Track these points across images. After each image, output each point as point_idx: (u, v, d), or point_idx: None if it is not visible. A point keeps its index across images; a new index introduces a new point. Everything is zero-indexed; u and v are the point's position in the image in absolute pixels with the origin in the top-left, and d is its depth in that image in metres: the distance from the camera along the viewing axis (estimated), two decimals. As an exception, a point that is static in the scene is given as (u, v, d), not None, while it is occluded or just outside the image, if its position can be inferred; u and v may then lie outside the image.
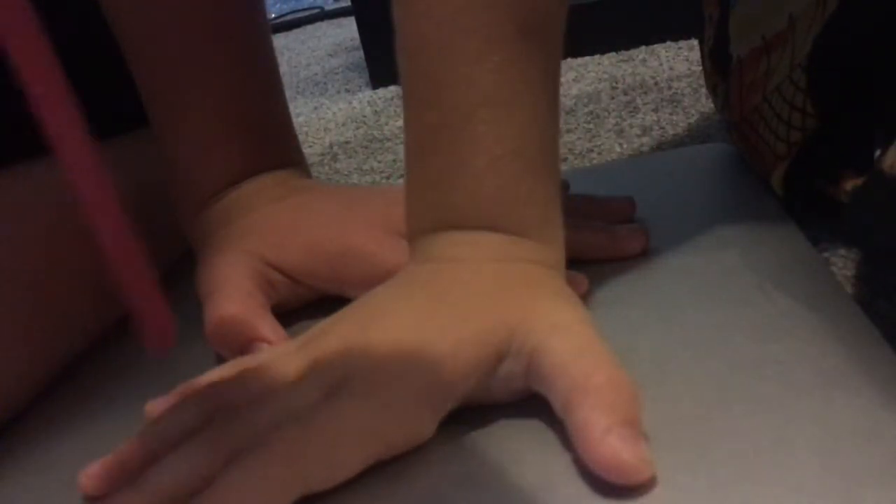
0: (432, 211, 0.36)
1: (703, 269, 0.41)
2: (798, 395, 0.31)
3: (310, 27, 1.54)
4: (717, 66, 0.52)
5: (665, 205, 0.48)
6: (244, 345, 0.40)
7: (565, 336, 0.32)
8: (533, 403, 0.33)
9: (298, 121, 0.90)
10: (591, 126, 0.72)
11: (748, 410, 0.31)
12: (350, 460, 0.30)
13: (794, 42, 0.43)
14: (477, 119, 0.34)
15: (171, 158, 0.47)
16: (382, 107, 0.92)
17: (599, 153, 0.66)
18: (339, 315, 0.36)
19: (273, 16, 1.61)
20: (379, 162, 0.75)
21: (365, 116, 0.89)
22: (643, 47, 0.92)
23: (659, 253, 0.43)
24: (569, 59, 0.91)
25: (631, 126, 0.70)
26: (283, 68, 1.17)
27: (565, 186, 0.47)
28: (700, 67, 0.72)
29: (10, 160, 0.44)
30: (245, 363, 0.36)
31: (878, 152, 0.33)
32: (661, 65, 0.85)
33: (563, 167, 0.63)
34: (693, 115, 0.70)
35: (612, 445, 0.28)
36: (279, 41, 1.41)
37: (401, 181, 0.54)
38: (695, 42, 0.84)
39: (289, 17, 1.59)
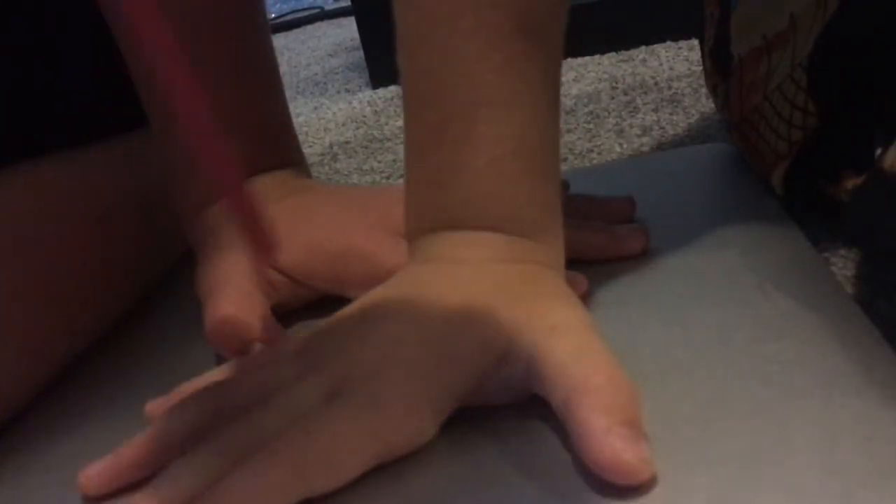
0: (432, 211, 0.36)
1: (703, 269, 0.41)
2: (798, 396, 0.31)
3: (310, 27, 1.54)
4: (718, 65, 0.52)
5: (665, 205, 0.48)
6: (243, 346, 0.40)
7: (565, 337, 0.32)
8: (533, 404, 0.33)
9: (298, 121, 0.90)
10: (591, 126, 0.72)
11: (748, 410, 0.31)
12: (351, 464, 0.30)
13: (795, 42, 0.43)
14: (477, 119, 0.34)
15: (170, 157, 0.47)
16: (382, 107, 0.92)
17: (599, 153, 0.66)
18: (339, 316, 0.36)
19: (273, 16, 1.61)
20: (379, 162, 0.75)
21: (365, 116, 0.89)
22: (643, 47, 0.92)
23: (659, 253, 0.43)
24: (569, 59, 0.91)
25: (631, 126, 0.70)
26: (283, 68, 1.17)
27: (565, 186, 0.47)
28: (700, 67, 0.72)
29: (10, 160, 0.44)
30: (245, 364, 0.36)
31: (878, 151, 0.33)
32: (661, 65, 0.85)
33: (563, 167, 0.63)
34: (693, 115, 0.70)
35: (612, 445, 0.28)
36: (279, 41, 1.41)
37: (401, 181, 0.54)
38: (695, 42, 0.84)
39: (289, 17, 1.59)
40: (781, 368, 0.33)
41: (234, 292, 0.41)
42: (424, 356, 0.32)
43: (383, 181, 0.70)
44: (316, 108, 0.96)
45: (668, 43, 0.91)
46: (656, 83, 0.79)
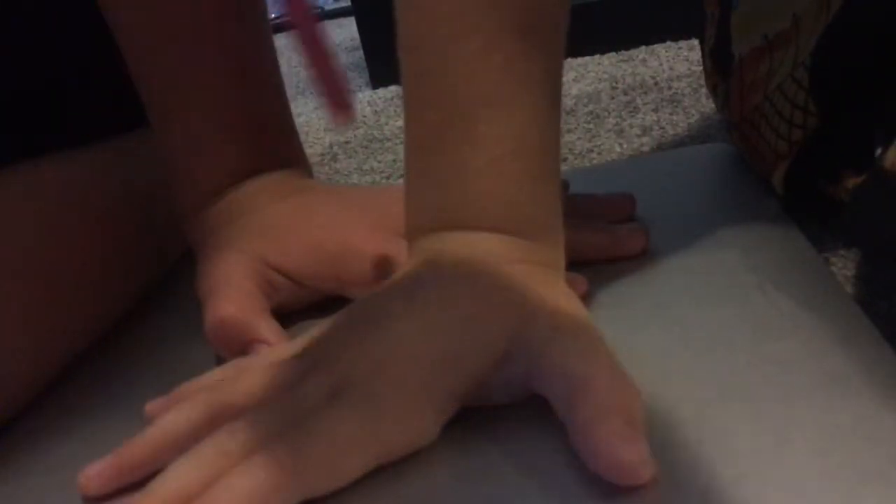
0: (432, 211, 0.36)
1: (703, 269, 0.41)
2: (798, 396, 0.31)
3: (310, 27, 1.54)
4: (718, 65, 0.52)
5: (665, 205, 0.48)
6: (243, 346, 0.40)
7: (566, 337, 0.32)
8: (533, 404, 0.33)
9: (299, 121, 0.90)
10: (591, 126, 0.72)
11: (748, 410, 0.31)
12: (352, 465, 0.30)
13: (797, 41, 0.43)
14: (478, 119, 0.34)
15: (170, 157, 0.47)
16: (382, 107, 0.92)
17: (599, 153, 0.66)
18: (339, 317, 0.36)
19: (273, 16, 1.61)
20: (379, 162, 0.75)
21: (365, 116, 0.89)
22: (643, 47, 0.92)
23: (659, 253, 0.43)
24: (569, 59, 0.91)
25: (631, 126, 0.70)
26: (283, 68, 1.16)
27: (565, 186, 0.46)
28: (700, 67, 0.72)
29: (10, 160, 0.44)
30: (245, 364, 0.36)
31: (878, 151, 0.33)
32: (661, 65, 0.85)
33: (563, 167, 0.63)
34: (693, 115, 0.70)
35: (613, 446, 0.28)
36: (279, 41, 1.41)
37: (401, 181, 0.54)
38: (695, 42, 0.84)
39: (289, 18, 1.59)
40: (781, 368, 0.33)
41: (234, 292, 0.41)
42: (425, 357, 0.32)
43: (383, 181, 0.70)
44: (316, 108, 0.96)
45: (668, 43, 0.91)
46: (656, 83, 0.79)
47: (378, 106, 0.92)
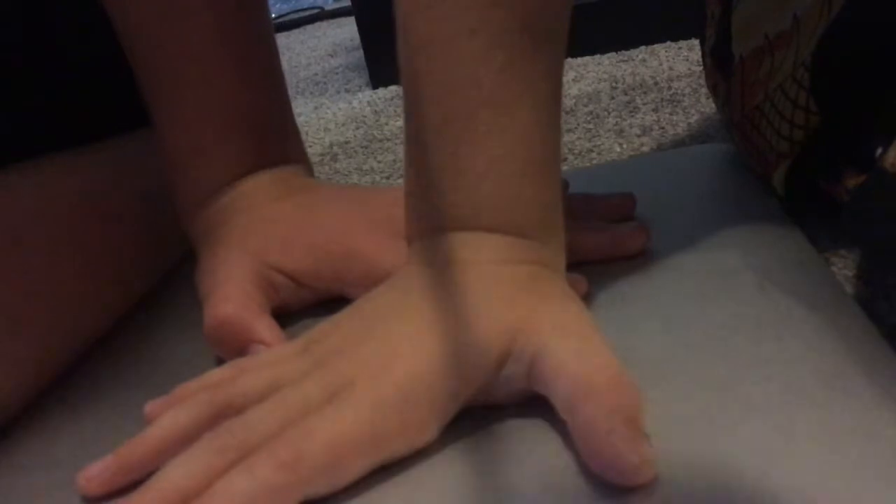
0: (432, 211, 0.36)
1: (703, 269, 0.41)
2: (798, 396, 0.31)
3: (310, 27, 1.54)
4: (719, 64, 0.52)
5: (665, 205, 0.48)
6: (241, 346, 0.40)
7: (567, 337, 0.32)
8: (533, 404, 0.33)
9: (299, 121, 0.90)
10: (591, 126, 0.72)
11: (748, 410, 0.31)
12: (352, 467, 0.30)
13: (798, 41, 0.43)
14: (479, 119, 0.34)
15: (172, 154, 0.47)
16: (382, 107, 0.92)
17: (599, 153, 0.66)
18: (339, 317, 0.36)
19: (273, 16, 1.61)
20: (379, 162, 0.75)
21: (365, 116, 0.89)
22: (643, 47, 0.92)
23: (659, 253, 0.43)
24: (569, 59, 0.91)
25: (631, 126, 0.70)
26: (284, 68, 1.17)
27: (565, 186, 0.47)
28: (700, 67, 0.72)
29: (11, 161, 0.44)
30: (244, 364, 0.36)
31: (878, 151, 0.33)
32: (661, 65, 0.85)
33: (563, 167, 0.63)
34: (693, 115, 0.70)
35: (614, 445, 0.28)
36: (279, 41, 1.41)
37: (401, 181, 0.54)
38: (695, 42, 0.85)
39: (289, 17, 1.59)
40: (781, 368, 0.33)
41: (233, 292, 0.41)
42: (426, 358, 0.32)
43: (383, 181, 0.70)
44: (316, 108, 0.96)
45: (668, 43, 0.91)
46: (656, 83, 0.79)
47: (378, 106, 0.92)
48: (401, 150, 0.76)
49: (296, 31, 1.52)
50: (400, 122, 0.84)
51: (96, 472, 0.33)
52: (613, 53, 0.92)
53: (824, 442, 0.29)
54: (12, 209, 0.42)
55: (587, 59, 0.92)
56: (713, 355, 0.34)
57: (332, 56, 1.25)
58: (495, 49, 0.34)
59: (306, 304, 0.44)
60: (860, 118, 0.41)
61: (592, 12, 0.91)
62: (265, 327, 0.40)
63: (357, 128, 0.86)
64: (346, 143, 0.82)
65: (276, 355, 0.36)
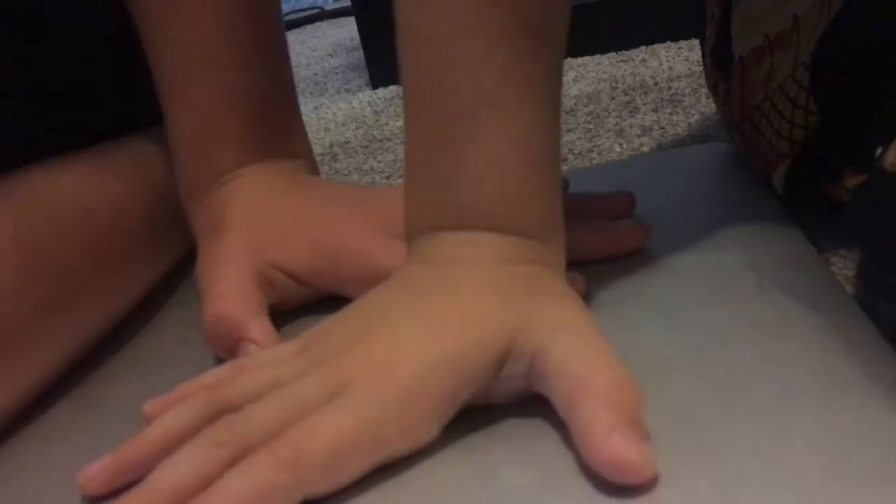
0: (432, 210, 0.36)
1: (703, 269, 0.41)
2: (798, 396, 0.31)
3: (310, 27, 1.54)
4: (719, 64, 0.52)
5: (665, 205, 0.48)
6: (233, 344, 0.40)
7: (567, 337, 0.32)
8: (533, 404, 0.33)
9: (298, 121, 0.90)
10: (591, 126, 0.72)
11: (748, 411, 0.31)
12: (352, 466, 0.30)
13: (798, 42, 0.43)
14: (480, 118, 0.34)
15: (178, 138, 0.47)
16: (382, 107, 0.92)
17: (599, 153, 0.66)
18: (339, 317, 0.36)
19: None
20: (379, 162, 0.75)
21: (365, 116, 0.89)
22: (643, 47, 0.92)
23: (659, 253, 0.43)
24: (569, 59, 0.91)
25: (631, 126, 0.70)
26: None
27: (564, 186, 0.47)
28: (700, 67, 0.72)
29: (12, 164, 0.44)
30: (245, 364, 0.36)
31: (878, 151, 0.33)
32: (661, 65, 0.85)
33: (563, 167, 0.63)
34: (693, 115, 0.70)
35: (615, 444, 0.28)
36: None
37: (401, 181, 0.54)
38: (695, 42, 0.84)
39: (289, 17, 1.58)
40: (781, 368, 0.33)
41: (231, 290, 0.41)
42: (426, 358, 0.32)
43: (383, 181, 0.70)
44: (316, 108, 0.96)
45: (668, 43, 0.91)
46: (656, 83, 0.79)
47: (378, 106, 0.92)
48: (401, 150, 0.76)
49: (296, 31, 1.51)
50: (400, 123, 0.84)
51: (95, 472, 0.33)
52: (613, 53, 0.92)
53: (823, 442, 0.29)
54: (13, 211, 0.42)
55: (587, 59, 0.92)
56: (713, 355, 0.34)
57: (332, 56, 1.25)
58: (496, 49, 0.34)
59: (305, 301, 0.44)
60: (860, 118, 0.41)
61: (592, 12, 0.91)
62: (258, 327, 0.40)
63: (357, 128, 0.86)
64: (346, 143, 0.82)
65: (275, 355, 0.36)
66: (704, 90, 0.74)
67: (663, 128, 0.68)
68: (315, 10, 1.59)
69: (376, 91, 0.99)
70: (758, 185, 0.49)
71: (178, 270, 0.52)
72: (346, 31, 1.39)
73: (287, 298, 0.44)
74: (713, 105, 0.69)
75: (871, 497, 0.26)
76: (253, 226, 0.44)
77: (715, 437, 0.30)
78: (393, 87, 0.97)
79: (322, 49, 1.31)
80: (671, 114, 0.71)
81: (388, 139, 0.80)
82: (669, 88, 0.77)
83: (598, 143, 0.68)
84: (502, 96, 0.34)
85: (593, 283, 0.40)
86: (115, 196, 0.47)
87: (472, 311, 0.33)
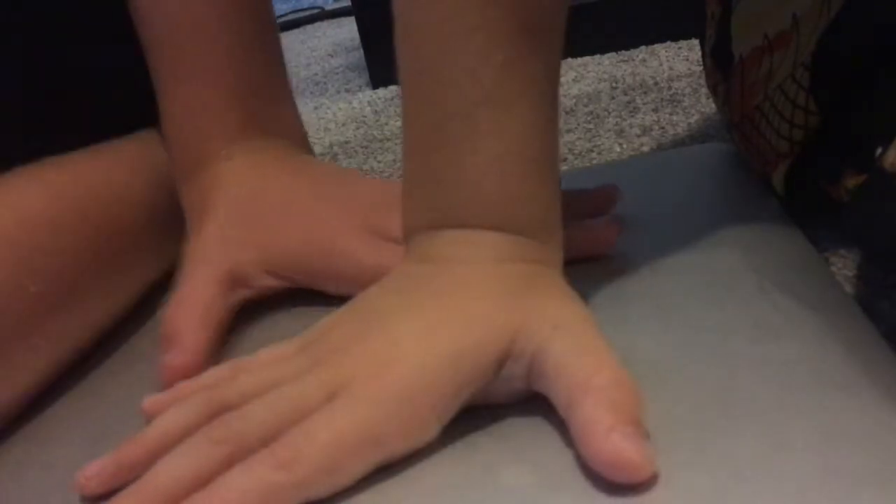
0: (431, 208, 0.36)
1: (703, 269, 0.41)
2: (797, 396, 0.31)
3: (310, 27, 1.54)
4: (719, 64, 0.52)
5: (665, 205, 0.48)
6: (167, 349, 0.40)
7: (567, 336, 0.32)
8: (532, 403, 0.33)
9: (298, 121, 0.90)
10: (591, 126, 0.72)
11: (747, 411, 0.31)
12: (352, 467, 0.30)
13: (797, 41, 0.43)
14: (478, 117, 0.34)
15: (169, 118, 0.48)
16: (382, 107, 0.92)
17: (599, 153, 0.66)
18: (338, 316, 0.36)
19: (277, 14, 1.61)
20: (379, 162, 0.75)
21: (365, 116, 0.89)
22: (643, 47, 0.92)
23: (659, 253, 0.43)
24: (569, 59, 0.91)
25: (631, 126, 0.70)
26: (283, 68, 1.16)
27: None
28: (700, 67, 0.72)
29: (13, 162, 0.44)
30: (244, 364, 0.36)
31: (878, 151, 0.33)
32: (661, 65, 0.85)
33: (563, 167, 0.63)
34: (693, 115, 0.70)
35: (615, 443, 0.28)
36: (282, 39, 1.41)
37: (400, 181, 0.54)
38: (695, 42, 0.84)
39: (289, 17, 1.58)
40: (781, 368, 0.33)
41: (191, 295, 0.42)
42: (425, 358, 0.32)
43: (383, 181, 0.70)
44: (316, 108, 0.96)
45: (668, 43, 0.91)
46: (656, 83, 0.79)
47: (378, 106, 0.92)
48: (401, 150, 0.76)
49: (296, 31, 1.51)
50: (400, 122, 0.84)
51: (95, 472, 0.33)
52: (613, 53, 0.92)
53: (823, 442, 0.29)
54: (15, 209, 0.42)
55: (587, 59, 0.92)
56: (712, 355, 0.34)
57: (332, 56, 1.25)
58: (494, 47, 0.34)
59: (281, 294, 0.44)
60: (860, 118, 0.41)
61: (592, 12, 0.91)
62: (189, 343, 0.40)
63: (357, 128, 0.86)
64: (346, 143, 0.82)
65: (275, 354, 0.36)
66: (704, 90, 0.74)
67: (663, 128, 0.68)
68: (315, 10, 1.59)
69: (376, 91, 0.99)
70: (758, 185, 0.49)
71: (174, 272, 0.52)
72: (346, 31, 1.39)
73: (263, 290, 0.44)
74: (713, 105, 0.69)
75: (870, 497, 0.26)
76: (237, 217, 0.44)
77: (714, 437, 0.30)
78: (393, 87, 0.97)
79: (322, 49, 1.31)
80: (671, 114, 0.71)
81: (388, 139, 0.80)
82: (669, 88, 0.77)
83: (598, 143, 0.68)
84: (501, 95, 0.34)
85: (593, 283, 0.40)
86: (116, 193, 0.47)
87: (472, 311, 0.33)
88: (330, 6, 1.61)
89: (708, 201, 0.49)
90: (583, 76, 0.86)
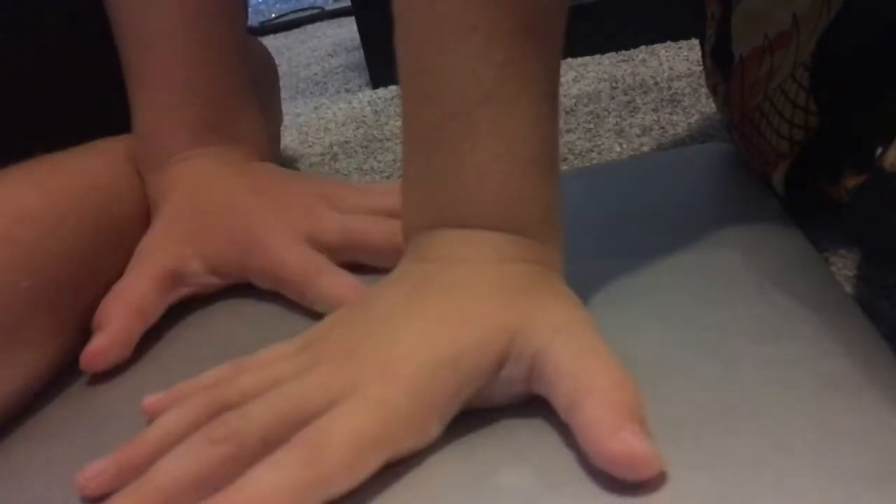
0: (431, 208, 0.36)
1: (703, 269, 0.41)
2: (797, 397, 0.31)
3: (310, 27, 1.53)
4: (719, 64, 0.52)
5: (665, 205, 0.48)
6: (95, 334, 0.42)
7: (567, 338, 0.32)
8: (531, 404, 0.33)
9: (298, 121, 0.90)
10: (591, 126, 0.72)
11: (747, 412, 0.31)
12: (368, 465, 0.30)
13: (797, 42, 0.43)
14: (478, 117, 0.34)
15: (139, 117, 0.50)
16: (382, 107, 0.92)
17: (599, 153, 0.66)
18: (338, 316, 0.36)
19: (273, 16, 1.61)
20: (379, 162, 0.75)
21: (365, 116, 0.89)
22: (643, 47, 0.92)
23: (659, 253, 0.43)
24: (569, 59, 0.91)
25: (631, 126, 0.70)
26: (283, 68, 1.16)
27: None
28: (700, 67, 0.72)
29: (9, 159, 0.44)
30: (244, 364, 0.36)
31: (878, 151, 0.33)
32: (661, 65, 0.85)
33: (563, 167, 0.63)
34: (693, 115, 0.70)
35: (624, 439, 0.28)
36: (279, 41, 1.41)
37: (400, 181, 0.54)
38: (695, 42, 0.84)
39: (289, 17, 1.58)
40: (781, 368, 0.33)
41: (127, 288, 0.44)
42: (426, 358, 0.32)
43: (383, 181, 0.70)
44: (316, 108, 0.96)
45: (668, 43, 0.91)
46: (656, 83, 0.79)
47: (378, 106, 0.92)
48: (401, 150, 0.75)
49: (296, 31, 1.51)
50: (400, 122, 0.84)
51: (95, 473, 0.33)
52: (613, 53, 0.92)
53: (823, 443, 0.29)
54: (8, 207, 0.42)
55: (587, 59, 0.92)
56: (712, 356, 0.34)
57: (332, 56, 1.24)
58: (494, 46, 0.34)
59: (221, 289, 0.47)
60: (860, 118, 0.41)
61: (592, 12, 0.91)
62: (106, 335, 0.42)
63: (357, 128, 0.86)
64: (346, 143, 0.82)
65: (275, 354, 0.36)
66: (704, 90, 0.74)
67: (663, 128, 0.68)
68: (315, 10, 1.59)
69: (376, 91, 0.99)
70: (758, 185, 0.49)
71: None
72: (346, 31, 1.39)
73: (208, 288, 0.46)
74: (713, 105, 0.69)
75: (870, 497, 0.26)
76: (181, 215, 0.47)
77: (714, 437, 0.30)
78: (393, 87, 0.97)
79: (322, 49, 1.30)
80: (671, 114, 0.71)
81: (388, 139, 0.80)
82: (669, 88, 0.77)
83: (598, 143, 0.68)
84: (501, 95, 0.34)
85: (593, 283, 0.40)
86: (109, 191, 0.48)
87: (472, 312, 0.33)
88: (330, 6, 1.61)
89: (708, 201, 0.49)
90: (583, 76, 0.86)
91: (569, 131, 0.71)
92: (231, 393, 0.33)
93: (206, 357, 0.42)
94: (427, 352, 0.32)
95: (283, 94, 0.81)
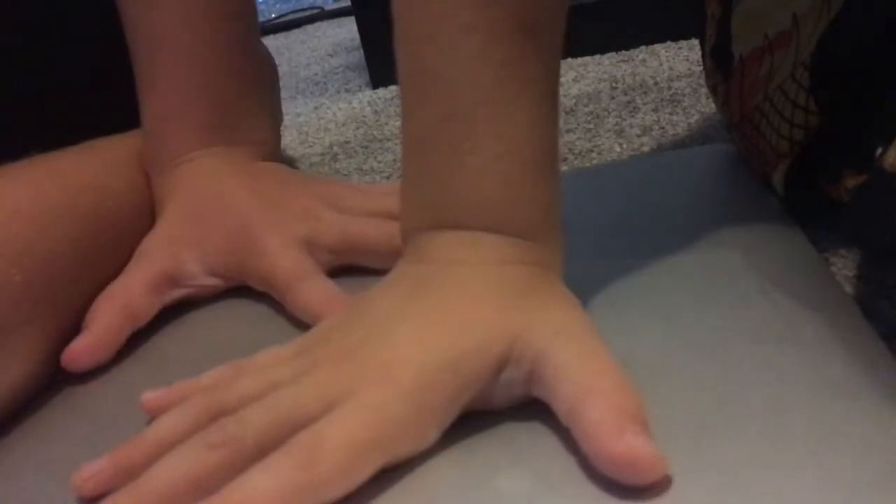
0: (430, 209, 0.36)
1: (703, 270, 0.41)
2: (797, 399, 0.31)
3: (310, 27, 1.53)
4: (719, 64, 0.52)
5: (665, 205, 0.48)
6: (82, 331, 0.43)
7: (567, 341, 0.32)
8: (530, 407, 0.32)
9: (298, 121, 0.90)
10: (591, 126, 0.71)
11: (747, 412, 0.31)
12: (363, 470, 0.30)
13: (797, 42, 0.43)
14: (478, 117, 0.34)
15: (144, 119, 0.50)
16: (382, 107, 0.91)
17: (599, 153, 0.66)
18: (337, 320, 0.36)
19: (273, 16, 1.61)
20: (379, 162, 0.75)
21: (365, 116, 0.89)
22: (643, 47, 0.92)
23: (659, 253, 0.43)
24: (569, 59, 0.91)
25: (631, 126, 0.70)
26: (283, 68, 1.16)
27: None
28: (700, 67, 0.72)
29: (8, 159, 0.44)
30: (243, 366, 0.36)
31: (878, 151, 0.33)
32: (661, 65, 0.85)
33: (563, 167, 0.63)
34: (693, 115, 0.70)
35: (629, 442, 0.28)
36: (279, 41, 1.41)
37: (399, 181, 0.54)
38: (695, 42, 0.84)
39: (289, 17, 1.58)
40: (781, 369, 0.33)
41: (121, 290, 0.44)
42: (425, 361, 0.31)
43: (383, 181, 0.70)
44: (316, 108, 0.96)
45: (668, 43, 0.91)
46: (656, 83, 0.79)
47: (378, 106, 0.92)
48: (401, 150, 0.75)
49: (296, 31, 1.51)
50: (400, 122, 0.84)
51: (91, 474, 0.33)
52: (613, 53, 0.92)
53: (823, 445, 0.29)
54: (4, 204, 0.42)
55: (587, 59, 0.92)
56: (712, 356, 0.34)
57: (332, 56, 1.24)
58: (493, 47, 0.34)
59: (220, 291, 0.47)
60: (860, 118, 0.41)
61: (592, 12, 0.91)
62: (87, 335, 0.42)
63: (357, 128, 0.86)
64: (346, 143, 0.82)
65: (273, 357, 0.35)
66: (704, 90, 0.73)
67: (663, 128, 0.68)
68: (315, 10, 1.59)
69: (376, 91, 0.98)
70: (758, 185, 0.49)
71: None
72: (346, 31, 1.39)
73: (205, 289, 0.46)
74: (713, 105, 0.69)
75: (870, 499, 0.26)
76: (183, 216, 0.47)
77: (714, 439, 0.30)
78: (393, 87, 0.97)
79: (322, 49, 1.30)
80: (671, 114, 0.71)
81: (388, 139, 0.80)
82: (669, 88, 0.77)
83: (598, 143, 0.68)
84: (500, 95, 0.34)
85: (593, 284, 0.40)
86: (104, 191, 0.48)
87: (472, 314, 0.33)
88: (330, 6, 1.61)
89: (708, 202, 0.49)
90: (583, 76, 0.86)
91: (569, 131, 0.71)
92: (229, 396, 0.33)
93: (204, 358, 0.42)
94: (426, 355, 0.32)
95: (283, 94, 0.81)
